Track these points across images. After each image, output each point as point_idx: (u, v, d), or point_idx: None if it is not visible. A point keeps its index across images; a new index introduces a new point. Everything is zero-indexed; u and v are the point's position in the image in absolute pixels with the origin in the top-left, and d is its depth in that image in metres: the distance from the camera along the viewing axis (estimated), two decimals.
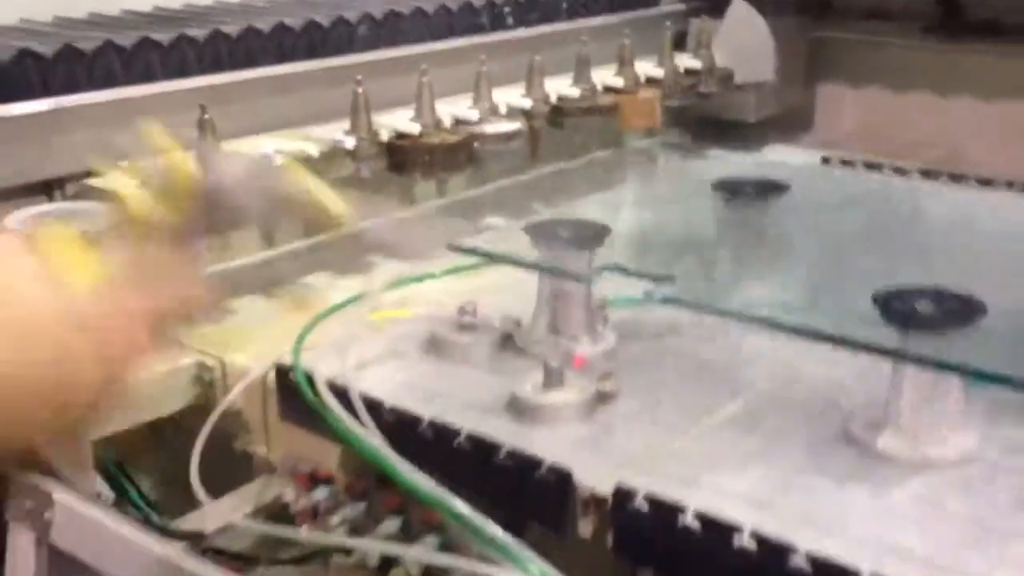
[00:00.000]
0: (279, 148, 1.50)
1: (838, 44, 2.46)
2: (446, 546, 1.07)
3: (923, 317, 0.97)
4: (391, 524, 1.13)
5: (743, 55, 2.22)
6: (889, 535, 0.89)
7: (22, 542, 1.06)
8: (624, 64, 1.98)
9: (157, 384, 1.39)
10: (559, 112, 1.86)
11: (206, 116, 1.39)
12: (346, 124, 1.60)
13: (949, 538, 0.89)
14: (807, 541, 0.86)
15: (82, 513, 1.02)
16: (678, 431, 1.07)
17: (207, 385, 1.43)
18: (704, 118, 2.40)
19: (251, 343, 1.47)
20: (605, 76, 1.96)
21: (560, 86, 1.88)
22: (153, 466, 1.52)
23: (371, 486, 1.18)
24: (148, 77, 1.52)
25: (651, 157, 2.12)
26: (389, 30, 1.84)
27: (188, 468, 1.25)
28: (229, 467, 1.33)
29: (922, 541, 0.88)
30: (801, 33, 2.42)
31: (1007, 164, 2.20)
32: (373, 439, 1.05)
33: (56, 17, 1.72)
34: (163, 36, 1.55)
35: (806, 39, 2.44)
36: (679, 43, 2.17)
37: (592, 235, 1.19)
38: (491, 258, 1.26)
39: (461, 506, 0.97)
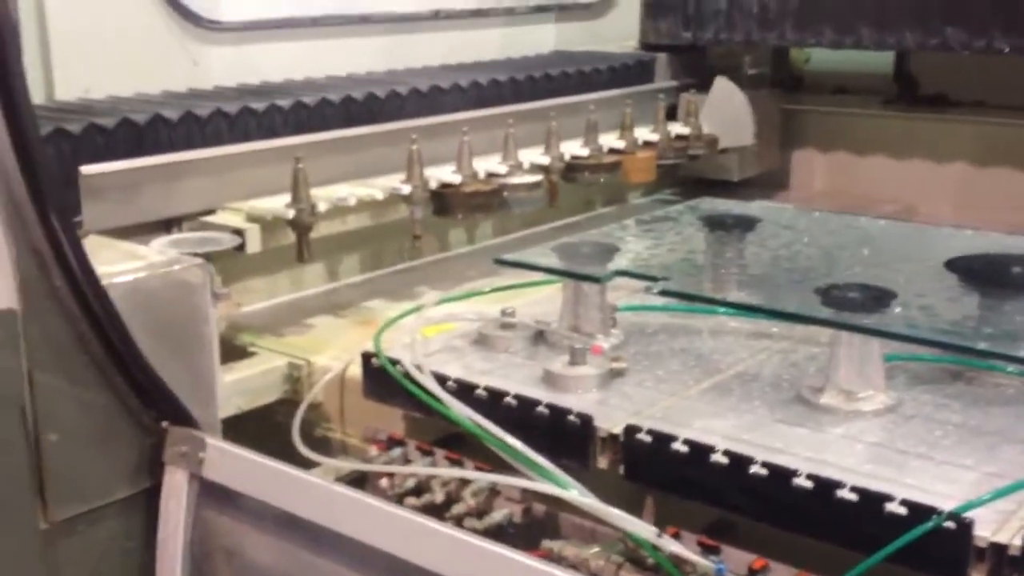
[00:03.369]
0: (352, 192, 1.87)
1: (809, 115, 2.86)
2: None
3: (851, 301, 1.33)
4: (452, 472, 1.47)
5: (726, 123, 2.60)
6: (821, 455, 1.24)
7: (177, 479, 1.40)
8: (625, 129, 2.36)
9: (258, 379, 1.75)
10: (572, 168, 2.24)
11: (300, 166, 1.76)
12: (401, 176, 1.97)
13: (863, 457, 1.24)
14: (763, 456, 1.21)
15: (233, 452, 1.36)
16: (672, 395, 1.42)
17: (295, 382, 1.78)
18: (693, 178, 2.78)
19: (329, 349, 1.83)
20: (610, 139, 2.34)
21: (573, 147, 2.25)
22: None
23: (434, 445, 1.52)
24: (247, 137, 1.90)
25: (646, 208, 2.48)
26: (432, 101, 2.23)
27: (271, 453, 1.59)
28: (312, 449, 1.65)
29: (843, 458, 1.23)
30: (776, 105, 2.82)
31: (953, 217, 2.58)
32: (447, 399, 1.40)
33: (163, 91, 2.11)
34: (258, 105, 1.93)
35: (781, 110, 2.83)
36: (671, 113, 2.55)
37: (605, 250, 1.56)
38: (530, 268, 1.61)
39: (515, 442, 1.32)
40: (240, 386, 1.70)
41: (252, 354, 1.79)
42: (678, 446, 1.26)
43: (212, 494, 1.38)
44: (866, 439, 1.29)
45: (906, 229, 1.81)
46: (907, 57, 2.80)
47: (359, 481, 1.59)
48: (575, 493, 1.26)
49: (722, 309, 1.59)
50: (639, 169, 2.34)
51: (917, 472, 1.20)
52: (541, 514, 1.41)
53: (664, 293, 1.44)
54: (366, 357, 1.56)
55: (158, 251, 1.52)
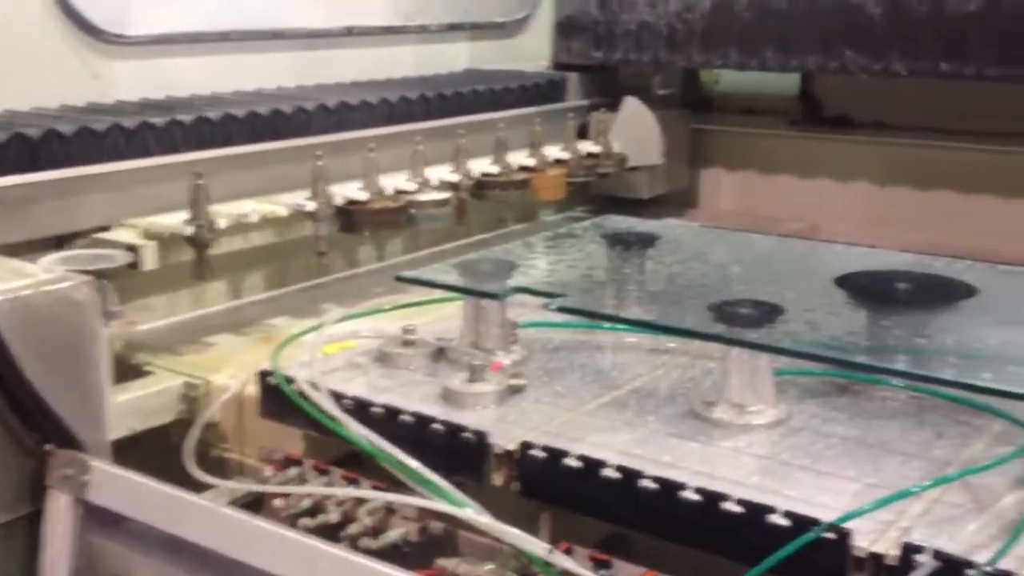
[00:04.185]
0: (255, 209, 1.85)
1: (717, 134, 2.91)
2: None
3: (741, 317, 1.35)
4: (347, 491, 1.45)
5: (635, 142, 2.63)
6: (712, 469, 1.25)
7: (60, 503, 1.36)
8: (535, 147, 2.37)
9: (152, 399, 1.72)
10: (481, 185, 2.24)
11: (199, 182, 1.73)
12: (306, 193, 1.95)
13: (751, 469, 1.26)
14: (652, 470, 1.22)
15: (119, 475, 1.32)
16: (570, 411, 1.43)
17: (192, 401, 1.75)
18: (604, 196, 2.81)
19: (228, 367, 1.80)
20: (519, 157, 2.35)
21: (482, 164, 2.26)
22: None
23: (332, 464, 1.51)
24: (146, 152, 1.87)
25: (557, 225, 2.50)
26: (340, 118, 2.21)
27: (168, 474, 1.56)
28: (207, 472, 1.62)
29: (732, 471, 1.25)
30: (685, 125, 2.86)
31: (856, 235, 2.64)
32: (341, 417, 1.38)
33: (62, 105, 2.06)
34: (158, 120, 1.90)
35: (689, 130, 2.88)
36: (582, 132, 2.58)
37: (506, 267, 1.56)
38: (429, 285, 1.61)
39: (410, 461, 1.31)
40: (133, 406, 1.66)
41: (147, 373, 1.75)
42: (571, 461, 1.27)
43: (98, 518, 1.34)
44: (755, 452, 1.31)
45: (800, 247, 1.85)
46: (811, 79, 2.87)
47: (256, 502, 1.57)
48: (469, 511, 1.26)
49: (620, 325, 1.60)
50: (548, 187, 2.35)
51: (802, 484, 1.22)
52: (438, 532, 1.40)
53: (561, 310, 1.45)
54: (263, 375, 1.54)
55: (46, 268, 1.48)
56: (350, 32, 2.71)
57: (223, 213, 1.82)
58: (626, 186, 2.74)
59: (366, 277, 2.32)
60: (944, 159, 2.62)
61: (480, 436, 1.33)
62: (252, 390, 1.61)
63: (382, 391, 1.49)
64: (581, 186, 2.57)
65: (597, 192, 2.79)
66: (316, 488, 1.42)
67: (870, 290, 1.45)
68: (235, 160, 1.96)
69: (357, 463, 1.48)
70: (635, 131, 2.63)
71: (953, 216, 2.57)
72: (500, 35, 3.01)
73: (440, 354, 1.61)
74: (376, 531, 1.41)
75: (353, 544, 1.41)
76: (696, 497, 1.17)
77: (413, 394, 1.48)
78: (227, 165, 1.95)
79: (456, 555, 1.37)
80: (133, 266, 1.70)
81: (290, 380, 1.48)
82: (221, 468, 1.72)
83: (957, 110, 2.61)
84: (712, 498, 1.16)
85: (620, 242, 1.72)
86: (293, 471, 1.52)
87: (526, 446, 1.30)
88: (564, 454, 1.27)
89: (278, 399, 1.50)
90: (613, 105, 2.71)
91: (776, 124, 2.87)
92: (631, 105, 2.66)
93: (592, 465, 1.25)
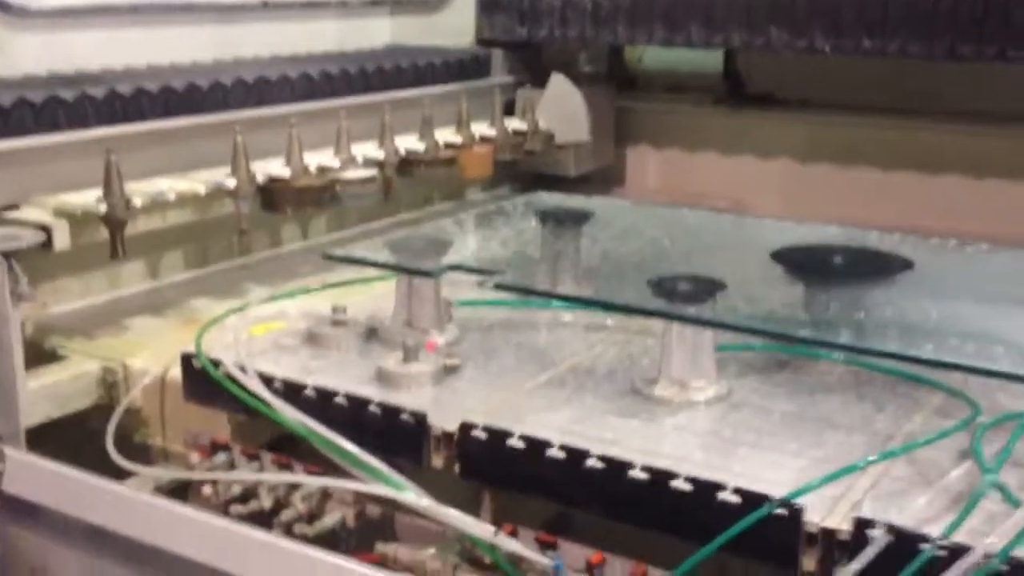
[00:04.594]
0: (172, 187, 1.77)
1: (642, 112, 2.89)
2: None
3: (681, 292, 1.33)
4: (280, 477, 1.40)
5: (562, 120, 2.60)
6: (655, 446, 1.23)
7: None
8: (462, 124, 2.32)
9: (68, 385, 1.63)
10: (408, 163, 2.18)
11: (112, 158, 1.64)
12: (224, 170, 1.87)
13: (694, 445, 1.24)
14: (598, 449, 1.20)
15: (35, 463, 1.25)
16: (508, 390, 1.39)
17: (110, 386, 1.67)
18: (532, 173, 2.78)
19: (147, 350, 1.72)
20: (446, 134, 2.30)
21: (408, 141, 2.20)
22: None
23: (262, 448, 1.45)
24: (55, 128, 1.77)
25: (485, 203, 2.47)
26: (259, 93, 2.13)
27: (90, 462, 1.49)
28: (129, 459, 1.55)
29: (676, 448, 1.23)
30: (611, 102, 2.84)
31: (782, 210, 2.67)
32: (272, 400, 1.33)
33: None
34: (68, 94, 1.80)
35: (615, 107, 2.86)
36: (508, 109, 2.53)
37: (439, 245, 1.52)
38: (361, 263, 1.56)
39: (348, 444, 1.26)
40: (48, 392, 1.58)
41: (62, 358, 1.67)
42: (514, 442, 1.23)
43: (13, 509, 1.27)
44: (698, 428, 1.29)
45: (733, 221, 1.85)
46: (735, 57, 2.87)
47: (182, 490, 1.51)
48: (410, 494, 1.22)
49: (558, 302, 1.58)
50: (475, 164, 2.31)
51: (747, 459, 1.20)
52: (376, 516, 1.36)
53: (499, 287, 1.42)
54: (186, 358, 1.47)
55: None
56: (265, 6, 2.62)
57: (138, 191, 1.73)
58: (553, 164, 2.71)
59: (290, 257, 2.26)
60: (867, 136, 2.65)
61: (419, 418, 1.29)
62: (175, 373, 1.54)
63: (313, 373, 1.44)
64: (508, 164, 2.53)
65: (524, 170, 2.76)
66: (247, 474, 1.37)
67: (807, 264, 1.44)
68: (149, 136, 1.88)
69: (290, 446, 1.43)
70: (562, 108, 2.60)
71: (875, 192, 2.60)
72: (423, 11, 2.95)
73: (372, 334, 1.57)
74: (311, 517, 1.36)
75: (288, 531, 1.36)
76: (644, 476, 1.15)
77: (346, 375, 1.43)
78: (141, 141, 1.86)
79: (395, 540, 1.33)
80: (45, 246, 1.61)
81: (216, 363, 1.42)
82: (145, 455, 1.65)
83: (880, 87, 2.64)
84: (661, 476, 1.14)
85: (553, 219, 1.69)
86: (221, 457, 1.46)
87: (466, 427, 1.26)
88: (507, 435, 1.24)
89: (203, 382, 1.44)
90: (538, 82, 2.67)
91: (701, 102, 2.87)
92: (558, 82, 2.62)
93: (536, 445, 1.22)
